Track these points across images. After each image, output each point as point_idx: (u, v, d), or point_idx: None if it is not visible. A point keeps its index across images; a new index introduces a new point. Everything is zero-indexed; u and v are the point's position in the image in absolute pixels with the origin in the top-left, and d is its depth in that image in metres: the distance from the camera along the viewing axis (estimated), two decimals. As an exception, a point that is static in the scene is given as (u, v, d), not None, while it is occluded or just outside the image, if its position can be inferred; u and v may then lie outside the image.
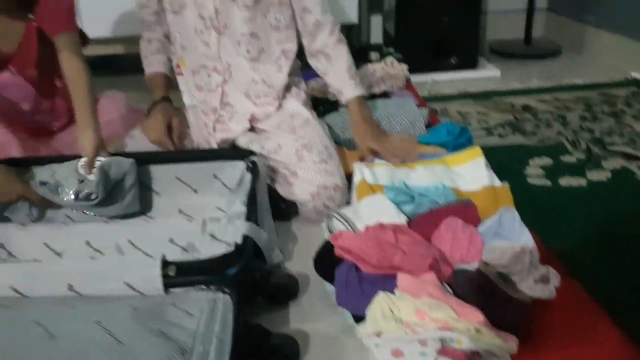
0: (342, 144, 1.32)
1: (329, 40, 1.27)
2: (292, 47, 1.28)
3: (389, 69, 1.71)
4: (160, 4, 1.30)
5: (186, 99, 1.34)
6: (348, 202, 1.16)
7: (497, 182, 1.12)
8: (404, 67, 1.73)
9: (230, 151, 1.24)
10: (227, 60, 1.25)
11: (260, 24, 1.24)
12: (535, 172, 1.40)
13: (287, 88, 1.30)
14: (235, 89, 1.27)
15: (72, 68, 1.27)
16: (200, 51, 1.26)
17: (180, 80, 1.35)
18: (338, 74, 1.28)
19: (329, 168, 1.16)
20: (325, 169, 1.16)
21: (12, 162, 1.16)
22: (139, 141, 1.26)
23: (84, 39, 1.43)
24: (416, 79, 1.90)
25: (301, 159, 1.17)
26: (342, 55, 1.28)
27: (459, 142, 1.30)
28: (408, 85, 1.73)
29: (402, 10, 2.10)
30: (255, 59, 1.25)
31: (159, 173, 1.16)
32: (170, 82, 1.36)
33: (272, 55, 1.27)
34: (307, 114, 1.27)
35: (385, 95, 1.61)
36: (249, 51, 1.24)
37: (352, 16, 1.98)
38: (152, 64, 1.36)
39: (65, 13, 1.31)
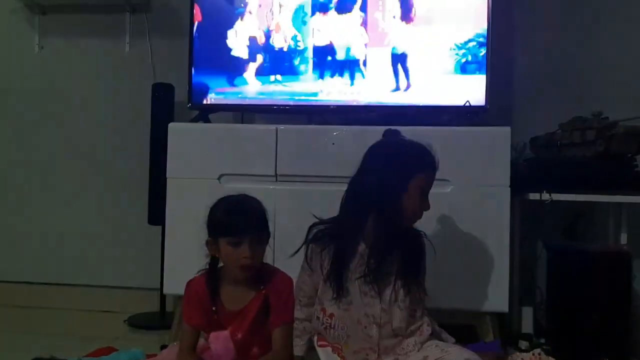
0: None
1: None
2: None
3: (536, 360, 1.83)
4: (317, 293, 1.62)
5: None
6: None
7: None
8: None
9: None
10: (387, 345, 1.55)
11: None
12: None
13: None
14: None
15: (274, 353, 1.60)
16: (360, 338, 1.56)
17: (320, 351, 1.61)
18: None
19: None
20: None
21: None
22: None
23: None
24: (567, 373, 1.96)
25: None
26: None
27: None
28: (555, 376, 1.81)
29: (554, 303, 2.23)
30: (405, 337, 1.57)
31: None
32: None
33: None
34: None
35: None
36: (404, 335, 1.56)
37: (503, 305, 2.15)
38: (294, 345, 1.64)
39: (287, 306, 1.64)
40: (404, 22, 2.34)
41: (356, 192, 1.60)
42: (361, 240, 1.59)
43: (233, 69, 2.46)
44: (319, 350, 1.61)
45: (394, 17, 2.35)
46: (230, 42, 2.45)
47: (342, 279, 1.56)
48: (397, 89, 2.35)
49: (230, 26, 2.46)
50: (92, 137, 2.92)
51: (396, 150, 1.61)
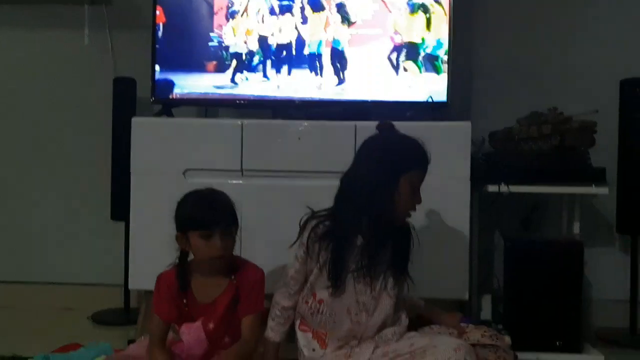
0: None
1: None
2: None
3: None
4: (307, 280, 1.65)
5: (306, 353, 1.63)
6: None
7: None
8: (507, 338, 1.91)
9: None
10: (369, 334, 1.60)
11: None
12: None
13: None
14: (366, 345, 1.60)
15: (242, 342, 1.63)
16: (347, 325, 1.60)
17: (300, 334, 1.65)
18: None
19: None
20: None
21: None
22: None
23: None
24: (522, 356, 2.05)
25: None
26: None
27: None
28: (513, 362, 1.89)
29: (511, 291, 2.33)
30: (390, 325, 1.62)
31: None
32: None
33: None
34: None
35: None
36: (387, 323, 1.61)
37: (463, 293, 2.23)
38: (275, 332, 1.67)
39: (258, 296, 1.67)
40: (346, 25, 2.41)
41: (348, 188, 1.63)
42: (358, 233, 1.62)
43: (196, 64, 2.46)
44: (299, 333, 1.65)
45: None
46: (193, 38, 2.46)
47: (340, 271, 1.59)
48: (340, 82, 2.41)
49: (196, 24, 2.46)
50: (52, 132, 2.86)
51: (388, 146, 1.63)
